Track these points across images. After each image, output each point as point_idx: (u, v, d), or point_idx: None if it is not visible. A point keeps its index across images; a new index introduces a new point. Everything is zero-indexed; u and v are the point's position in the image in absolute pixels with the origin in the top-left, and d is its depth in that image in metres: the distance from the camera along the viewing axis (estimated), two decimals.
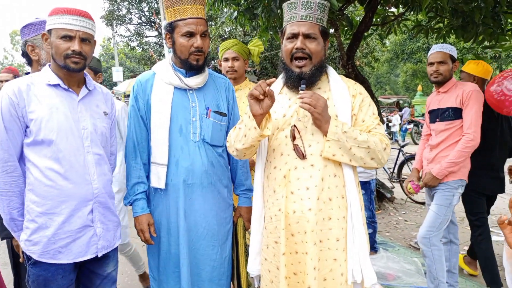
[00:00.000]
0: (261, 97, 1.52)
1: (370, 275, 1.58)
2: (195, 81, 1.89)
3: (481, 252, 2.90)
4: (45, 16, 1.70)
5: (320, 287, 1.57)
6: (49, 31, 1.62)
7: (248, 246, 2.45)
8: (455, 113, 2.64)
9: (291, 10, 1.64)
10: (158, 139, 1.85)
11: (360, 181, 3.74)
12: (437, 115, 2.76)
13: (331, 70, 1.73)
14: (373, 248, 3.75)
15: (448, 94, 2.72)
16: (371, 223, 3.76)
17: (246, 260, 2.19)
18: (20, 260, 1.71)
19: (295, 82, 1.64)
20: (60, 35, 1.58)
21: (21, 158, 1.63)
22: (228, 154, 2.05)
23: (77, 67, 1.62)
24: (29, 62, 2.07)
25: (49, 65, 1.69)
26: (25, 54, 2.06)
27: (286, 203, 1.60)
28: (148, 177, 1.91)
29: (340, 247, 1.59)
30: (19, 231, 1.64)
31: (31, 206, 1.59)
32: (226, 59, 2.90)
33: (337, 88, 1.66)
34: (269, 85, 1.54)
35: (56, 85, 1.64)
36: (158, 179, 1.85)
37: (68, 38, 1.59)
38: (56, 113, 1.60)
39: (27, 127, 1.58)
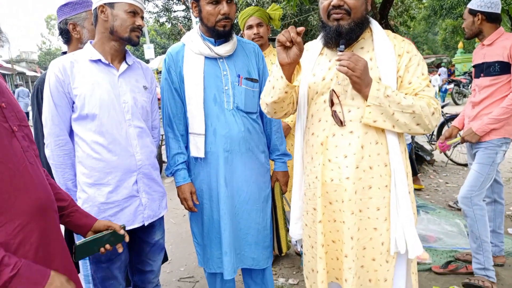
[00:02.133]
0: (288, 44, 1.42)
1: (415, 246, 1.51)
2: (224, 49, 1.89)
3: None
4: None
5: (359, 255, 1.55)
6: (110, 4, 1.66)
7: (286, 210, 2.49)
8: (502, 68, 2.48)
9: None
10: (194, 110, 1.89)
11: None
12: (481, 69, 2.61)
13: (375, 26, 1.58)
14: None
15: (493, 46, 2.54)
16: None
17: (284, 223, 2.25)
18: None
19: (333, 39, 1.51)
20: (127, 10, 1.67)
21: (71, 133, 1.73)
22: (262, 120, 2.07)
23: (138, 41, 1.74)
24: (67, 40, 2.12)
25: (91, 42, 1.76)
26: (64, 33, 2.10)
27: (323, 171, 1.55)
28: (187, 147, 1.97)
29: (381, 216, 1.53)
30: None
31: (81, 177, 1.70)
32: (250, 27, 2.86)
33: (382, 47, 1.53)
34: (299, 33, 1.41)
35: (97, 61, 1.70)
36: (197, 149, 1.91)
37: (134, 13, 1.69)
38: (98, 88, 1.67)
39: (73, 102, 1.67)
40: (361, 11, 1.49)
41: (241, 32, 3.04)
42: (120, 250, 1.44)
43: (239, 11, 10.87)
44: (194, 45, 1.90)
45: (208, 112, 1.89)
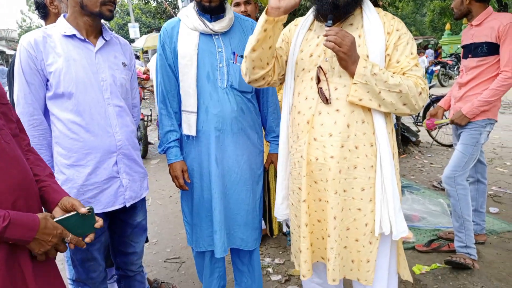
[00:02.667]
0: None
1: (400, 228, 1.49)
2: (219, 25, 1.83)
3: None
4: None
5: (342, 236, 1.54)
6: None
7: None
8: (489, 49, 2.46)
9: None
10: (186, 87, 1.85)
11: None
12: (469, 50, 2.59)
13: (366, 3, 1.53)
14: None
15: (482, 27, 2.51)
16: None
17: None
18: None
19: (327, 11, 1.44)
20: None
21: (46, 112, 1.65)
22: (258, 100, 2.03)
23: (111, 15, 1.62)
24: (44, 15, 2.03)
25: (64, 16, 1.66)
26: (41, 7, 2.01)
27: (308, 149, 1.53)
28: (180, 125, 1.94)
29: (365, 197, 1.51)
30: None
31: (59, 158, 1.64)
32: (237, 4, 2.79)
33: (371, 25, 1.48)
34: None
35: (72, 36, 1.62)
36: (189, 127, 1.87)
37: None
38: (74, 65, 1.59)
39: (47, 80, 1.59)
40: None
41: None
42: (88, 239, 1.23)
43: None
44: (189, 20, 1.84)
45: (201, 90, 1.84)
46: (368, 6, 1.53)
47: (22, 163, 1.12)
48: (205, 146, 1.89)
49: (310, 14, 1.61)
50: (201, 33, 1.84)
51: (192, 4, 1.88)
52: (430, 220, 3.22)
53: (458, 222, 2.58)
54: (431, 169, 4.83)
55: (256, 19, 2.90)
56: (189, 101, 1.85)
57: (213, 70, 1.84)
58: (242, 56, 1.83)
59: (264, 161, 2.11)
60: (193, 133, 1.87)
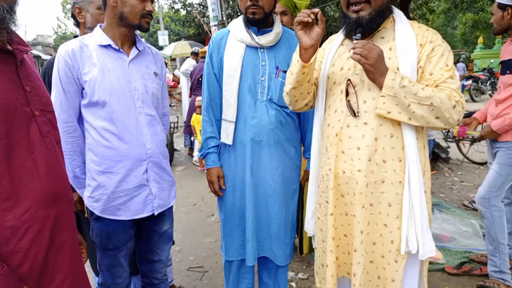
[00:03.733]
0: (309, 19, 1.40)
1: (428, 248, 1.45)
2: (266, 39, 1.87)
3: None
4: None
5: (369, 250, 1.51)
6: None
7: None
8: None
9: None
10: (228, 97, 1.89)
11: None
12: (508, 66, 2.50)
13: (399, 15, 1.53)
14: None
15: None
16: None
17: None
18: (85, 215, 1.83)
19: (353, 30, 1.48)
20: None
21: (80, 119, 1.69)
22: (298, 115, 2.03)
23: (148, 27, 1.68)
24: (77, 24, 2.10)
25: (100, 26, 1.71)
26: (73, 17, 2.09)
27: (336, 162, 1.52)
28: (219, 132, 1.98)
29: (392, 213, 1.48)
30: (82, 188, 1.73)
31: (91, 165, 1.67)
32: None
33: (403, 37, 1.47)
34: (315, 13, 1.42)
35: (107, 46, 1.66)
36: (226, 135, 1.91)
37: None
38: (108, 74, 1.62)
39: (83, 88, 1.63)
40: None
41: None
42: None
43: None
44: (237, 32, 1.89)
45: (242, 101, 1.88)
46: (400, 19, 1.52)
47: (61, 171, 1.15)
48: (241, 156, 1.91)
49: (341, 32, 1.63)
50: (247, 46, 1.88)
51: (242, 16, 1.92)
52: (461, 241, 3.10)
53: (492, 245, 2.47)
54: (462, 188, 4.66)
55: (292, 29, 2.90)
56: (229, 111, 1.89)
57: (255, 83, 1.87)
58: (285, 72, 1.87)
59: (301, 177, 2.09)
60: (230, 142, 1.90)
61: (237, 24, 1.91)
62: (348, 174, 1.50)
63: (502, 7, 2.45)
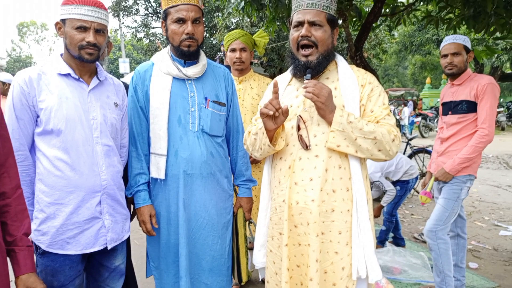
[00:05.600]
0: (276, 114, 1.52)
1: (375, 271, 1.55)
2: (193, 70, 1.88)
3: None
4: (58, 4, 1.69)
5: (321, 279, 1.56)
6: (63, 20, 1.60)
7: (248, 237, 2.44)
8: (469, 107, 2.59)
9: None
10: (157, 130, 1.85)
11: (401, 180, 3.71)
12: (449, 107, 2.72)
13: (340, 59, 1.69)
14: (381, 243, 3.73)
15: (463, 86, 2.65)
16: (388, 221, 3.72)
17: (246, 252, 2.19)
18: None
19: (302, 72, 1.61)
20: (75, 26, 1.57)
21: (32, 148, 1.63)
22: (227, 144, 2.05)
23: (91, 58, 1.62)
24: None
25: (61, 55, 1.69)
26: None
27: (290, 193, 1.59)
28: (149, 168, 1.91)
29: (342, 240, 1.56)
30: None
31: (40, 196, 1.60)
32: (233, 50, 2.89)
33: (346, 78, 1.62)
34: (275, 86, 1.55)
35: (67, 75, 1.64)
36: (158, 170, 1.86)
37: (83, 29, 1.58)
38: (66, 102, 1.59)
39: (37, 116, 1.59)
40: (327, 44, 1.60)
41: (225, 52, 3.05)
42: None
43: (219, 34, 10.97)
44: (163, 64, 1.88)
45: (172, 133, 1.86)
46: (342, 62, 1.69)
47: None
48: (173, 189, 1.87)
49: (288, 72, 1.76)
50: (174, 78, 1.88)
51: (166, 49, 1.94)
52: (411, 273, 3.20)
53: (440, 277, 2.58)
54: (412, 220, 4.86)
55: (250, 64, 3.00)
56: (159, 144, 1.85)
57: (185, 114, 1.87)
58: (214, 102, 1.91)
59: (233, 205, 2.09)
60: (162, 176, 1.85)
61: (162, 57, 1.91)
62: (302, 204, 1.57)
63: (468, 50, 2.65)
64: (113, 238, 1.71)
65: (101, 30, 1.62)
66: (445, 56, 2.69)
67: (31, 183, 1.63)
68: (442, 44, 2.75)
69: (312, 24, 1.57)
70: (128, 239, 2.13)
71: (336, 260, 1.56)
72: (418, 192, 5.92)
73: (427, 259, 3.39)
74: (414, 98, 21.14)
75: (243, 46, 2.86)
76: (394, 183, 3.75)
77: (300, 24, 1.59)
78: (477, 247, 3.89)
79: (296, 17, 1.60)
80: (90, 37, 1.58)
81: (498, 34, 3.39)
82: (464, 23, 3.44)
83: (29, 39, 41.97)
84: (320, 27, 1.57)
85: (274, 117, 1.54)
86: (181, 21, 1.78)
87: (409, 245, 3.89)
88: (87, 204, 1.62)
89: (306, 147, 1.58)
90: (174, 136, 1.86)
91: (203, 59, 1.93)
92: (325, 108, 1.51)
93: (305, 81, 1.53)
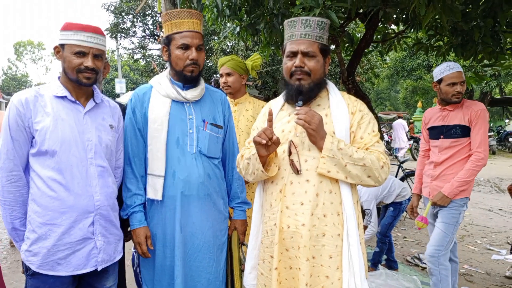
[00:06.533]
0: (269, 143, 1.55)
1: None
2: (192, 93, 1.92)
3: None
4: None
5: None
6: (62, 45, 1.65)
7: (244, 259, 2.42)
8: (463, 131, 2.66)
9: (291, 28, 1.66)
10: (155, 151, 1.87)
11: (395, 202, 3.73)
12: (441, 131, 2.77)
13: (332, 87, 1.74)
14: (374, 265, 3.72)
15: (455, 111, 2.72)
16: (381, 242, 3.72)
17: (240, 274, 2.17)
18: (20, 271, 1.71)
19: (294, 96, 1.65)
20: (74, 51, 1.62)
21: (27, 168, 1.64)
22: (224, 166, 2.07)
23: (89, 82, 1.66)
24: None
25: (59, 77, 1.72)
26: None
27: (281, 217, 1.61)
28: (145, 189, 1.92)
29: (333, 264, 1.57)
30: (21, 242, 1.64)
31: (32, 216, 1.60)
32: (221, 75, 2.99)
33: (336, 105, 1.67)
34: (270, 114, 1.59)
35: (63, 97, 1.66)
36: (155, 191, 1.86)
37: (82, 54, 1.62)
38: (61, 124, 1.62)
39: (33, 137, 1.60)
40: (319, 73, 1.65)
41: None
42: None
43: (215, 56, 11.15)
44: (162, 88, 1.92)
45: (169, 154, 1.87)
46: (333, 90, 1.73)
47: None
48: (170, 211, 1.86)
49: (281, 97, 1.80)
50: (173, 100, 1.91)
51: (165, 72, 1.98)
52: None
53: None
54: (405, 243, 4.85)
55: (244, 86, 3.06)
56: (156, 165, 1.86)
57: (183, 135, 1.89)
58: (211, 124, 1.95)
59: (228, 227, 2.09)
60: (159, 197, 1.85)
61: (160, 80, 1.95)
62: (293, 228, 1.58)
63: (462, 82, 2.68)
64: (104, 259, 1.70)
65: (99, 55, 1.67)
66: (454, 84, 2.66)
67: (24, 203, 1.63)
68: (446, 72, 2.70)
69: (305, 54, 1.61)
70: (122, 261, 2.11)
71: (326, 285, 1.56)
72: (404, 217, 5.93)
73: (420, 283, 3.38)
74: (405, 121, 21.42)
75: (228, 71, 2.94)
76: (388, 206, 3.77)
77: (293, 54, 1.63)
78: (470, 271, 3.88)
79: (289, 47, 1.65)
80: (88, 62, 1.63)
81: (486, 61, 3.50)
82: (452, 50, 3.55)
83: (25, 58, 42.17)
84: (313, 57, 1.62)
85: (267, 145, 1.57)
86: (185, 47, 1.83)
87: (402, 268, 3.88)
88: (80, 224, 1.62)
89: (297, 171, 1.60)
90: (172, 157, 1.87)
91: (202, 83, 1.98)
92: (316, 134, 1.54)
93: (297, 108, 1.57)
